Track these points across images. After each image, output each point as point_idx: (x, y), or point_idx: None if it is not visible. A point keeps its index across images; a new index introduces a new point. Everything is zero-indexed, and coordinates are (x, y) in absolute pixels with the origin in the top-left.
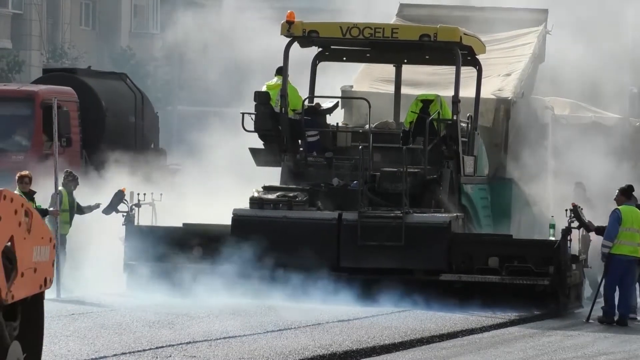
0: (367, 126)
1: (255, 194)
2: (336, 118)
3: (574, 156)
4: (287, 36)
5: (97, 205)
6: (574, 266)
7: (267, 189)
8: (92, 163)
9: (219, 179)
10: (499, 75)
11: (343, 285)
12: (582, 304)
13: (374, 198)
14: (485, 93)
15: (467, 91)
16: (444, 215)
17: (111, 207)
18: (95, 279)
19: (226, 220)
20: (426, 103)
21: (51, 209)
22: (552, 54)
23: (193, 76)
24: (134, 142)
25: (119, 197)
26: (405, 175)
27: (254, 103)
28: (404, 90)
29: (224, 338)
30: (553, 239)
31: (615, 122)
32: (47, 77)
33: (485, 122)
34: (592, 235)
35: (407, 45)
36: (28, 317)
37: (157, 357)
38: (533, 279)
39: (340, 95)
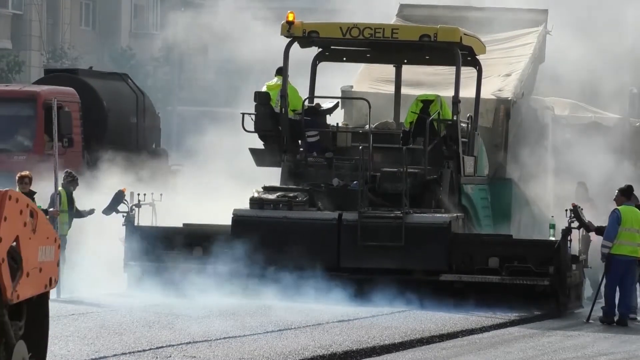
0: (367, 126)
1: (256, 194)
2: (336, 118)
3: (574, 156)
4: (287, 36)
5: (92, 211)
6: (574, 266)
7: (267, 189)
8: (94, 163)
9: (219, 179)
10: (499, 76)
11: (343, 286)
12: (582, 304)
13: (374, 198)
14: (485, 93)
15: (467, 91)
16: (444, 215)
17: (111, 208)
18: (95, 279)
19: (226, 220)
20: (426, 103)
21: (51, 209)
22: (552, 54)
23: (193, 76)
24: (136, 143)
25: (119, 197)
26: (405, 175)
27: (254, 103)
28: (404, 90)
29: (224, 338)
30: (553, 239)
31: (615, 122)
32: (49, 77)
33: (486, 122)
34: (593, 235)
35: (407, 46)
36: (33, 317)
37: (157, 358)
38: (533, 279)
39: (340, 95)
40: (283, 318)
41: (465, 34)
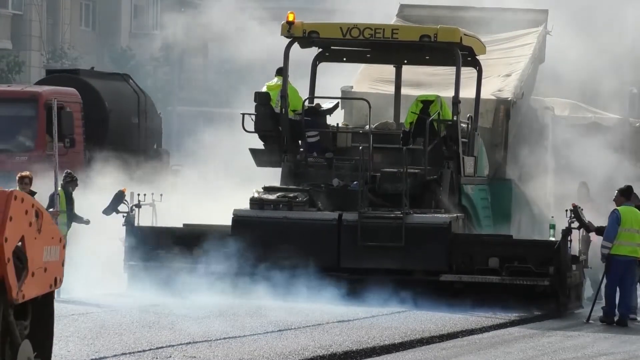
0: (367, 127)
1: (256, 195)
2: (336, 119)
3: (574, 156)
4: (287, 37)
5: (88, 222)
6: (574, 267)
7: (268, 189)
8: (95, 163)
9: (219, 179)
10: (499, 76)
11: (343, 286)
12: (582, 304)
13: (374, 199)
14: (485, 94)
15: (467, 92)
16: (444, 215)
17: (111, 208)
18: (95, 280)
19: (226, 220)
20: (426, 104)
21: (51, 209)
22: (552, 54)
23: (193, 76)
24: (137, 143)
25: (120, 197)
26: (405, 175)
27: (254, 103)
28: (404, 90)
29: (224, 338)
30: (553, 239)
31: (615, 123)
32: (51, 78)
33: (485, 122)
34: (593, 235)
35: (407, 46)
36: (38, 317)
37: (157, 358)
38: (533, 280)
39: (340, 95)
40: (283, 318)
41: (465, 34)
